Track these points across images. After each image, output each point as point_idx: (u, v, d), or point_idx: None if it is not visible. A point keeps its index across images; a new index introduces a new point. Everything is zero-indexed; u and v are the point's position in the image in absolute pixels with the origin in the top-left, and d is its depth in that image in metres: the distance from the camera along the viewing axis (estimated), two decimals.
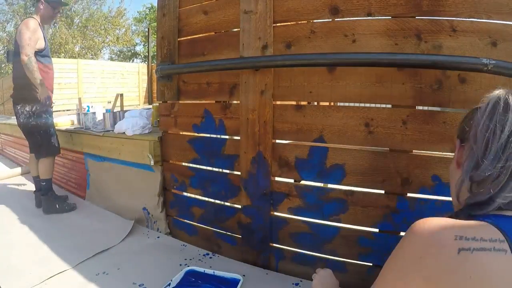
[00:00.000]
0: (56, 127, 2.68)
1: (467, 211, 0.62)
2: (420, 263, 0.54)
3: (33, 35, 2.18)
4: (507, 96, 0.64)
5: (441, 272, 0.52)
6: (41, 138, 2.26)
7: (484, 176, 0.60)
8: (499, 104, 0.63)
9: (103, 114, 2.37)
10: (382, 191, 1.22)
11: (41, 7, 2.31)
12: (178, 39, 1.65)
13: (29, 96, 2.25)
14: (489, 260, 0.52)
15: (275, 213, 1.43)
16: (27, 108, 2.27)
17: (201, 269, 1.38)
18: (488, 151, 0.61)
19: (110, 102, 3.16)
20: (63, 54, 13.97)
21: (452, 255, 0.52)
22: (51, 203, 2.19)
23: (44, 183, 2.26)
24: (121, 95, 2.71)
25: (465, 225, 0.56)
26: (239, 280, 1.30)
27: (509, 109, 0.62)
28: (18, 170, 3.31)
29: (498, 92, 0.66)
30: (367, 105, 1.24)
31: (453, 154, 1.12)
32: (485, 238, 0.53)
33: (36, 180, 2.35)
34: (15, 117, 2.43)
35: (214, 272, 1.36)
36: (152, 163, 1.76)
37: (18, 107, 2.32)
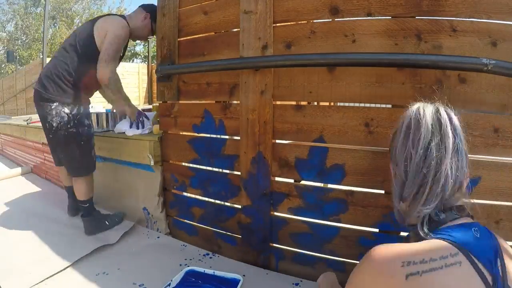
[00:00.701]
0: None
1: (414, 233, 0.65)
2: None
3: (119, 47, 1.72)
4: (418, 112, 0.69)
5: None
6: (80, 151, 1.74)
7: (410, 194, 0.66)
8: (411, 123, 0.69)
9: (96, 114, 2.32)
10: (382, 191, 1.22)
11: (142, 18, 1.87)
12: (178, 39, 1.65)
13: (73, 94, 1.69)
14: (440, 278, 0.53)
15: (275, 213, 1.43)
16: (66, 110, 1.67)
17: (201, 269, 1.38)
18: (409, 171, 0.66)
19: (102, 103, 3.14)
20: None
21: (401, 283, 0.54)
22: (98, 223, 1.81)
23: (87, 205, 1.83)
24: None
25: (413, 249, 0.58)
26: (239, 280, 1.30)
27: (420, 126, 0.67)
28: (18, 170, 3.31)
29: (411, 109, 0.72)
30: (367, 105, 1.24)
31: None
32: (434, 257, 0.55)
33: (69, 191, 1.98)
34: (38, 119, 1.83)
35: (214, 272, 1.36)
36: (152, 163, 1.76)
37: (52, 107, 1.64)
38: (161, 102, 1.76)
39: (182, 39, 1.64)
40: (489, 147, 1.07)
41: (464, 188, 0.68)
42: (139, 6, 1.94)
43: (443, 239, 0.57)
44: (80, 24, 15.34)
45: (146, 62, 10.06)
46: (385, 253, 0.59)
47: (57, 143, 1.75)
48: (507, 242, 1.08)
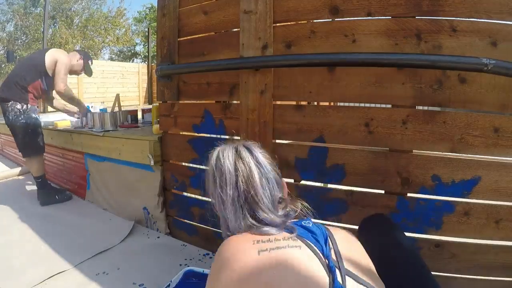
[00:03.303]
0: (56, 127, 2.68)
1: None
2: (233, 273, 0.62)
3: (66, 70, 2.44)
4: (218, 159, 0.79)
5: (249, 273, 0.60)
6: (29, 138, 2.32)
7: (234, 228, 0.74)
8: (214, 171, 0.79)
9: (93, 113, 2.37)
10: (382, 191, 1.22)
11: (78, 58, 2.58)
12: (178, 39, 1.65)
13: (22, 95, 2.32)
14: (287, 254, 0.62)
15: None
16: (18, 107, 2.29)
17: (200, 269, 1.38)
18: (228, 212, 0.75)
19: (103, 103, 3.18)
20: None
21: (254, 257, 0.62)
22: (49, 195, 2.35)
23: (40, 180, 2.37)
24: (117, 95, 2.69)
25: (261, 234, 0.68)
26: None
27: (223, 172, 0.75)
28: (18, 170, 3.31)
29: (211, 158, 0.81)
30: (367, 105, 1.24)
31: (453, 154, 1.13)
32: (278, 238, 0.65)
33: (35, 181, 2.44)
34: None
35: None
36: (152, 163, 1.76)
37: (8, 105, 2.30)
38: (161, 102, 1.76)
39: (182, 39, 1.64)
40: (489, 147, 1.07)
41: (285, 200, 0.77)
42: (74, 50, 2.72)
43: (284, 231, 0.67)
44: (80, 24, 15.39)
45: (146, 62, 10.06)
46: (236, 238, 0.69)
47: (13, 132, 2.34)
48: (507, 242, 1.09)
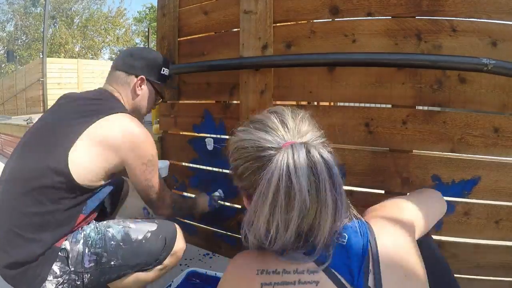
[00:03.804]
0: None
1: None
2: None
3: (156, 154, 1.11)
4: (289, 173, 0.49)
5: None
6: None
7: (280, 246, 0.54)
8: (280, 191, 0.49)
9: None
10: (382, 191, 1.22)
11: (140, 87, 1.13)
12: (178, 39, 1.65)
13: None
14: None
15: None
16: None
17: (203, 271, 1.38)
18: (274, 240, 0.53)
19: None
20: (63, 54, 13.99)
21: None
22: None
23: None
24: None
25: (270, 257, 0.54)
26: None
27: (293, 202, 0.49)
28: None
29: (277, 165, 0.50)
30: (367, 105, 1.24)
31: (453, 154, 1.13)
32: (288, 269, 0.51)
33: None
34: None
35: (216, 274, 1.36)
36: None
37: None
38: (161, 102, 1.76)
39: (182, 39, 1.64)
40: (489, 147, 1.07)
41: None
42: (116, 64, 1.14)
43: (305, 252, 0.52)
44: (80, 24, 15.30)
45: None
46: (243, 260, 0.58)
47: None
48: (507, 242, 1.09)
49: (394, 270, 0.52)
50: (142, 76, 1.10)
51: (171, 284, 1.28)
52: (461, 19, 1.07)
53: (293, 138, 0.55)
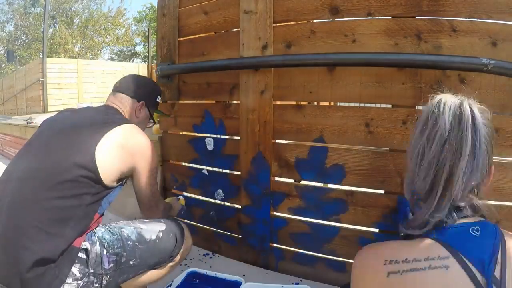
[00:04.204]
0: None
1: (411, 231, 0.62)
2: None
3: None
4: (438, 106, 0.61)
5: None
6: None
7: (420, 192, 0.61)
8: (429, 117, 0.61)
9: None
10: (382, 191, 1.22)
11: (139, 111, 1.24)
12: (178, 39, 1.65)
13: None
14: (423, 280, 0.52)
15: (275, 213, 1.43)
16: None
17: (203, 271, 1.38)
18: (420, 169, 0.61)
19: (103, 103, 3.15)
20: (63, 54, 13.98)
21: (383, 280, 0.54)
22: None
23: None
24: None
25: (399, 248, 0.58)
26: (241, 282, 1.30)
27: (437, 122, 0.59)
28: None
29: (431, 102, 0.64)
30: (367, 105, 1.24)
31: None
32: (418, 258, 0.53)
33: None
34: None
35: (216, 274, 1.36)
36: None
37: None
38: (161, 102, 1.76)
39: (182, 39, 1.64)
40: None
41: (480, 188, 0.62)
42: (121, 87, 1.24)
43: (436, 239, 0.55)
44: (79, 24, 15.32)
45: (146, 62, 10.06)
46: (369, 252, 0.62)
47: None
48: None
49: None
50: (143, 101, 1.24)
51: (171, 284, 1.28)
52: (461, 19, 1.07)
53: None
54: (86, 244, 0.93)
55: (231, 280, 1.32)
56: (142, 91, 1.26)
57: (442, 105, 0.61)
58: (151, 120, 1.34)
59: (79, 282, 0.90)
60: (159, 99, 1.34)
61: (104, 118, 1.10)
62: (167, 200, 1.47)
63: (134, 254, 1.01)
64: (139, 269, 1.04)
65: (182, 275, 1.34)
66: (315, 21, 1.28)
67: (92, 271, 0.92)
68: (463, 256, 0.52)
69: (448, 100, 0.61)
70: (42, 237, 0.87)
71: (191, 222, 1.72)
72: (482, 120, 0.60)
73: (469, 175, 0.58)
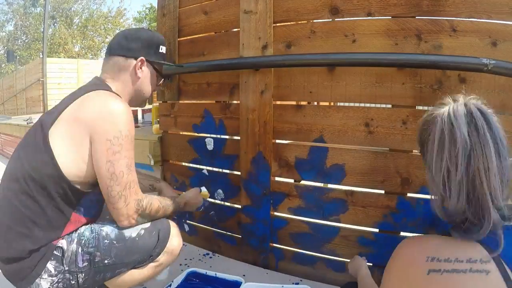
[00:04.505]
0: None
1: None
2: (400, 283, 0.57)
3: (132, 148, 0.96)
4: (450, 121, 0.59)
5: None
6: None
7: (454, 210, 0.59)
8: (444, 135, 0.60)
9: None
10: (382, 191, 1.22)
11: (140, 69, 1.07)
12: (178, 39, 1.65)
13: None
14: (462, 282, 0.51)
15: (275, 213, 1.43)
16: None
17: (203, 271, 1.38)
18: (448, 190, 0.59)
19: None
20: (62, 54, 13.98)
21: (422, 276, 0.53)
22: None
23: None
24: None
25: (443, 245, 0.57)
26: (241, 282, 1.30)
27: (456, 138, 0.58)
28: None
29: (441, 116, 0.61)
30: (367, 105, 1.24)
31: None
32: (460, 258, 0.53)
33: None
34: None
35: (216, 274, 1.36)
36: (152, 163, 1.76)
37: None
38: (161, 102, 1.76)
39: (182, 39, 1.64)
40: None
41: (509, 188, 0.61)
42: (112, 49, 1.07)
43: (482, 242, 0.54)
44: (79, 24, 15.30)
45: None
46: (412, 245, 0.60)
47: None
48: None
49: None
50: (142, 57, 1.04)
51: (171, 284, 1.28)
52: (461, 19, 1.07)
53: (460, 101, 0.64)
54: (62, 242, 0.93)
55: (231, 280, 1.32)
56: (137, 45, 1.04)
57: (453, 120, 0.59)
58: (160, 77, 1.14)
59: (53, 278, 0.91)
60: (162, 49, 1.11)
61: (74, 95, 0.95)
62: (184, 193, 1.23)
63: (109, 253, 0.94)
64: (116, 268, 0.97)
65: (182, 275, 1.34)
66: (315, 21, 1.28)
67: (67, 268, 0.92)
68: (503, 262, 0.52)
69: (457, 112, 0.60)
70: (11, 236, 0.89)
71: (191, 222, 1.72)
72: (493, 116, 0.60)
73: (502, 175, 0.57)
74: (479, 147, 0.56)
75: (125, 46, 1.04)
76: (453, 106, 0.62)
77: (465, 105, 0.61)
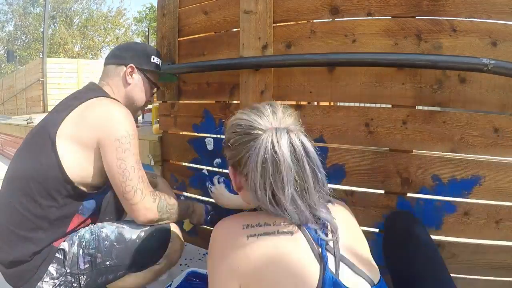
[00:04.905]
0: None
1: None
2: (223, 258, 0.64)
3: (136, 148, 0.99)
4: (273, 148, 0.64)
5: (239, 259, 0.61)
6: None
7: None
8: (267, 158, 0.64)
9: None
10: (382, 191, 1.22)
11: (130, 76, 1.12)
12: (178, 39, 1.65)
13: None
14: (274, 241, 0.61)
15: None
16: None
17: (203, 271, 1.38)
18: (272, 204, 0.65)
19: None
20: (62, 54, 13.98)
21: (244, 242, 0.62)
22: None
23: None
24: None
25: (253, 216, 0.67)
26: None
27: (280, 165, 0.63)
28: None
29: (263, 140, 0.65)
30: (367, 105, 1.24)
31: (453, 154, 1.13)
32: (268, 222, 0.64)
33: None
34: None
35: None
36: (152, 163, 1.76)
37: None
38: (161, 102, 1.76)
39: (182, 39, 1.64)
40: (489, 147, 1.07)
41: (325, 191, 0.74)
42: (106, 59, 1.16)
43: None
44: (79, 24, 15.30)
45: None
46: (227, 221, 0.69)
47: None
48: (507, 242, 1.09)
49: (347, 228, 0.72)
50: (131, 64, 1.10)
51: (171, 284, 1.28)
52: (461, 19, 1.07)
53: (279, 125, 0.69)
54: (64, 245, 0.93)
55: None
56: (127, 54, 1.11)
57: (277, 147, 0.64)
58: (154, 87, 1.17)
59: (55, 281, 0.91)
60: (155, 59, 1.15)
61: (74, 100, 0.98)
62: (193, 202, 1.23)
63: (110, 255, 0.95)
64: (118, 270, 0.96)
65: (182, 275, 1.34)
66: (315, 21, 1.28)
67: (68, 271, 0.92)
68: (303, 227, 0.64)
69: (280, 139, 0.65)
70: (13, 239, 0.89)
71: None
72: (310, 144, 0.70)
73: (320, 188, 0.72)
74: (300, 173, 0.65)
75: (117, 55, 1.11)
76: (276, 132, 0.66)
77: (288, 132, 0.67)
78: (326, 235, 0.64)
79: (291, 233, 0.62)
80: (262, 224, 0.63)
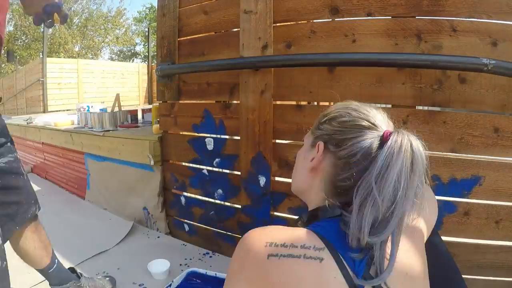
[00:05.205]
0: (56, 127, 2.67)
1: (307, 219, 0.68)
2: (242, 270, 0.59)
3: None
4: (412, 151, 0.57)
5: (256, 276, 0.56)
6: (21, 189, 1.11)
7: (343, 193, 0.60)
8: (382, 171, 0.56)
9: (93, 113, 2.36)
10: None
11: None
12: (178, 39, 1.65)
13: None
14: (297, 268, 0.53)
15: (275, 213, 1.43)
16: None
17: (203, 271, 1.38)
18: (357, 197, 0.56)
19: (103, 102, 3.14)
20: (62, 54, 13.98)
21: (263, 261, 0.55)
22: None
23: (53, 270, 1.24)
24: (117, 95, 2.67)
25: (280, 232, 0.59)
26: None
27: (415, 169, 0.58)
28: None
29: (395, 141, 0.57)
30: None
31: (453, 154, 1.13)
32: (296, 244, 0.55)
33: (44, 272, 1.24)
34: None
35: (216, 274, 1.36)
36: (152, 163, 1.76)
37: None
38: (161, 102, 1.76)
39: (182, 39, 1.64)
40: (489, 147, 1.07)
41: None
42: None
43: (314, 231, 0.56)
44: (79, 24, 15.32)
45: (146, 62, 10.06)
46: (253, 235, 0.63)
47: None
48: (507, 242, 1.09)
49: (409, 261, 0.57)
50: None
51: (171, 284, 1.28)
52: (461, 19, 1.07)
53: (388, 127, 0.63)
54: None
55: None
56: None
57: (402, 153, 0.57)
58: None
59: None
60: None
61: None
62: None
63: None
64: None
65: (182, 275, 1.34)
66: (315, 21, 1.28)
67: None
68: (336, 249, 0.53)
69: (406, 146, 0.58)
70: None
71: (191, 222, 1.72)
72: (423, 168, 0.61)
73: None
74: (401, 198, 0.56)
75: None
76: (405, 140, 0.58)
77: (409, 137, 0.58)
78: (368, 271, 0.53)
79: (321, 259, 0.52)
80: (288, 245, 0.55)
